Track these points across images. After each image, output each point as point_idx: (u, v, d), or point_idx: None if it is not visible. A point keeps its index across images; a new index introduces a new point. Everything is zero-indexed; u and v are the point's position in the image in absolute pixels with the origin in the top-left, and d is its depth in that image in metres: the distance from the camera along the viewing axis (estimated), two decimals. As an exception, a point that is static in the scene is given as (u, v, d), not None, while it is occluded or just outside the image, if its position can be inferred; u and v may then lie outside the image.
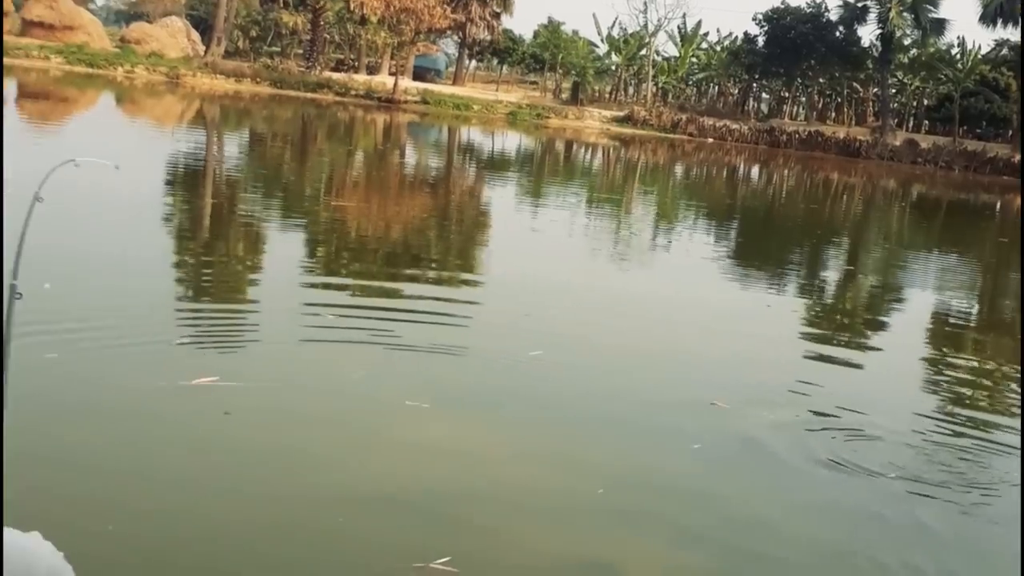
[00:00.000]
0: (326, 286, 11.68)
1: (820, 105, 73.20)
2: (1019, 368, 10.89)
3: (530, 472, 6.66)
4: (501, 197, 24.80)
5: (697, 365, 9.96)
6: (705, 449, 7.31)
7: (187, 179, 20.72)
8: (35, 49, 51.73)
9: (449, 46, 79.56)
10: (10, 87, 40.31)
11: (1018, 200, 41.71)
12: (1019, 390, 10.02)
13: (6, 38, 52.98)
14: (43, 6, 57.09)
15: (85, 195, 15.63)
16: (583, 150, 46.76)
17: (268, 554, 5.19)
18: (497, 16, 69.17)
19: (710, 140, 58.68)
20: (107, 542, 4.97)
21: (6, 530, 1.45)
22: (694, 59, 72.57)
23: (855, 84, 69.95)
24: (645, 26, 69.09)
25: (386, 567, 5.18)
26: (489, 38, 69.97)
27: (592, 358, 9.65)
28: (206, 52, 59.28)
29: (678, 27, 70.73)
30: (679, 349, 10.57)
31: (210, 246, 13.75)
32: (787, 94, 71.93)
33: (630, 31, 70.17)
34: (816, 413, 8.45)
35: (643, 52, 70.03)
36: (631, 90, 74.34)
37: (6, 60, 49.31)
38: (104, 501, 5.48)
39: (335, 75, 59.41)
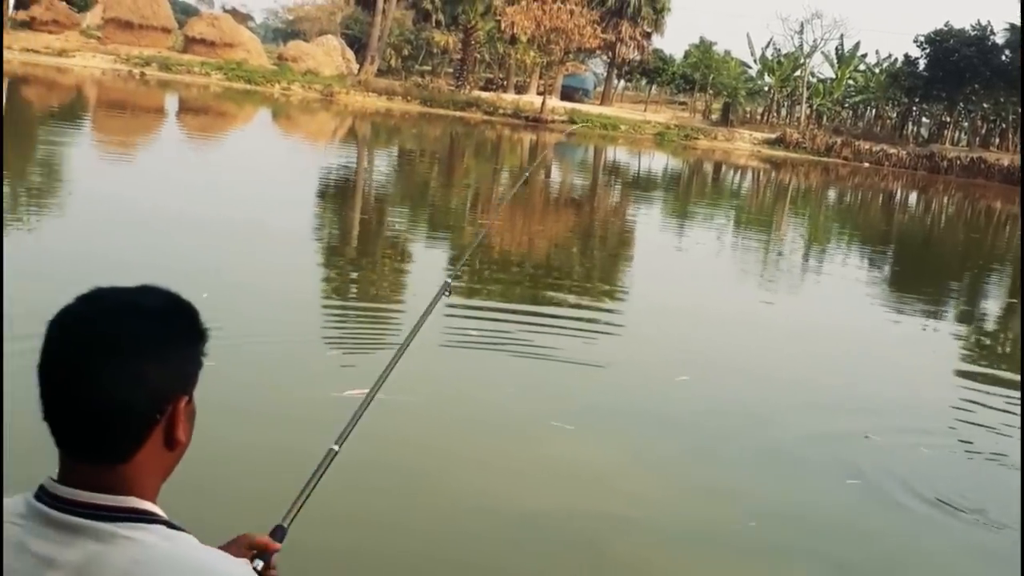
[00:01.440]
0: (469, 304, 11.59)
1: (984, 131, 70.22)
2: None
3: (678, 501, 6.40)
4: (647, 217, 24.46)
5: (850, 394, 9.50)
6: (860, 484, 6.94)
7: (338, 194, 21.07)
8: (196, 65, 53.80)
9: (598, 66, 79.60)
10: (171, 101, 42.01)
11: None
12: None
13: (169, 54, 55.36)
14: (205, 24, 59.43)
15: (241, 209, 16.02)
16: (732, 172, 45.93)
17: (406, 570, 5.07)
18: (648, 36, 68.82)
19: (866, 165, 56.95)
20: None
21: (209, 552, 1.36)
22: (851, 81, 70.66)
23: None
24: (800, 47, 67.70)
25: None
26: (639, 58, 69.64)
27: (741, 385, 9.29)
28: (359, 70, 60.67)
29: (835, 48, 69.13)
30: (831, 377, 10.10)
31: (358, 260, 13.88)
32: (948, 119, 69.29)
33: (784, 52, 68.83)
34: (973, 450, 7.93)
35: (798, 73, 68.54)
36: (784, 112, 72.87)
37: (171, 76, 51.47)
38: (263, 501, 5.42)
39: (484, 94, 60.01)
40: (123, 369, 1.31)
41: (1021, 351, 11.55)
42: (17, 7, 57.07)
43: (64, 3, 59.67)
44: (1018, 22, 59.94)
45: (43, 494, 1.34)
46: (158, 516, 1.35)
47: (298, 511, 2.08)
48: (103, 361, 1.32)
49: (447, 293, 3.40)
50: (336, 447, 2.30)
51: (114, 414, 1.32)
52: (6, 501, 1.36)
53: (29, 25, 56.53)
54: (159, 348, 1.35)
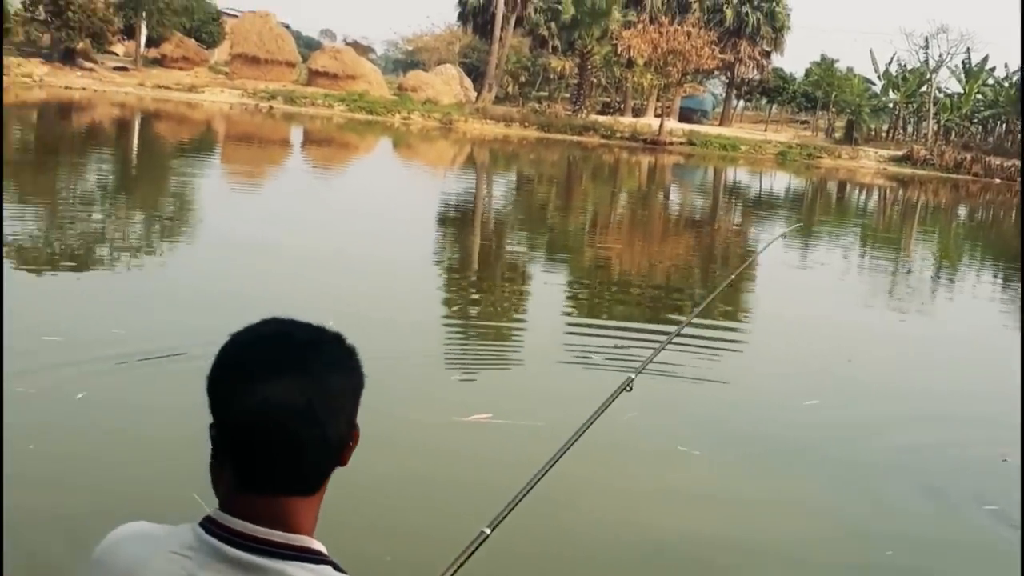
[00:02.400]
0: (589, 323, 11.48)
1: (1122, 143, 67.10)
2: None
3: (810, 529, 6.20)
4: (769, 237, 23.97)
5: (986, 418, 9.10)
6: (998, 509, 6.61)
7: (458, 220, 21.22)
8: (320, 97, 55.07)
9: (717, 86, 78.82)
10: (296, 133, 43.05)
11: None
12: None
13: (294, 87, 56.82)
14: (328, 57, 60.85)
15: (362, 236, 16.26)
16: (857, 191, 44.84)
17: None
18: (767, 55, 67.92)
19: (997, 181, 54.96)
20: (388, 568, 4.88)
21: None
22: (980, 95, 68.35)
23: None
24: (926, 62, 65.88)
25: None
26: (758, 77, 68.75)
27: (871, 409, 8.99)
28: (477, 98, 61.31)
29: (962, 62, 66.98)
30: (967, 399, 9.69)
31: (479, 284, 13.90)
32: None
33: (910, 67, 67.04)
34: None
35: (924, 89, 66.68)
36: (910, 128, 70.93)
37: (296, 108, 52.82)
38: (385, 527, 5.41)
39: (601, 118, 59.96)
40: (339, 404, 1.38)
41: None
42: (148, 45, 59.37)
43: (193, 40, 61.89)
44: None
45: (213, 526, 1.35)
46: (326, 556, 1.37)
47: None
48: (347, 403, 1.39)
49: (628, 388, 3.34)
50: (487, 531, 2.24)
51: (335, 447, 1.38)
52: (173, 530, 1.37)
53: (160, 62, 58.76)
54: (358, 380, 1.42)
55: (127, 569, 1.36)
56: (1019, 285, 16.09)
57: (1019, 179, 51.13)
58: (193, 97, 51.86)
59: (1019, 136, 67.89)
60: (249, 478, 1.35)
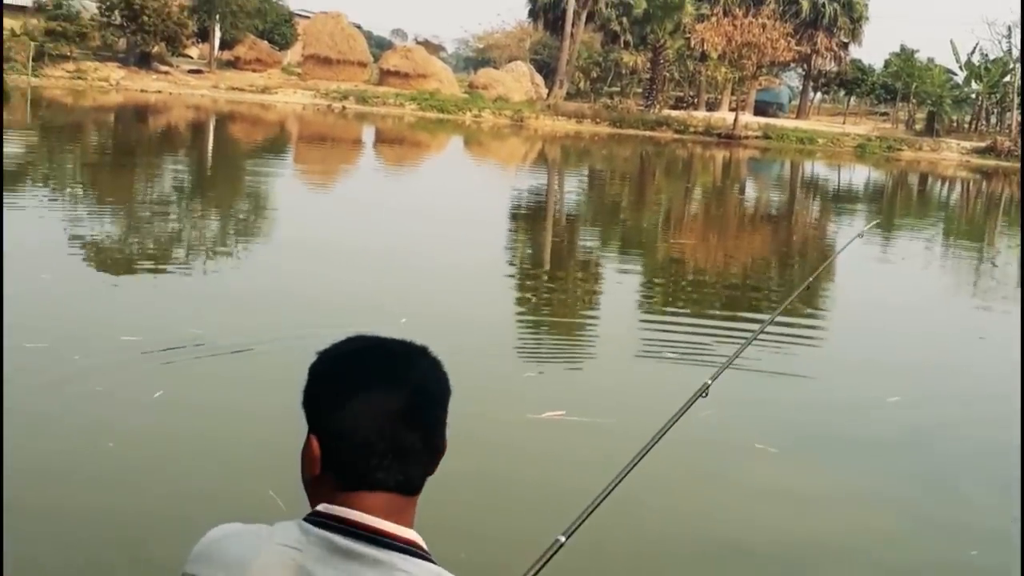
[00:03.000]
0: (663, 321, 11.31)
1: None
2: None
3: (892, 529, 6.02)
4: (849, 230, 23.50)
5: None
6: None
7: (529, 217, 21.15)
8: (391, 97, 55.39)
9: (793, 79, 77.70)
10: (368, 133, 43.36)
11: None
12: None
13: (366, 87, 57.25)
14: (399, 56, 61.18)
15: (436, 234, 16.27)
16: (939, 183, 43.83)
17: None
18: (845, 46, 66.64)
19: (1085, 171, 53.30)
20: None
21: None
22: (1065, 84, 66.43)
23: None
24: (1009, 51, 64.13)
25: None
26: (836, 69, 67.50)
27: (954, 406, 8.75)
28: (548, 94, 61.16)
29: (1046, 50, 65.09)
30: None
31: (552, 281, 13.81)
32: None
33: (992, 57, 65.35)
34: None
35: (1007, 79, 64.94)
36: (993, 119, 69.17)
37: (368, 108, 53.18)
38: (458, 526, 5.34)
39: (674, 112, 59.44)
40: (435, 410, 1.47)
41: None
42: (222, 47, 60.25)
43: (266, 42, 62.68)
44: None
45: (322, 518, 1.40)
46: (429, 554, 1.43)
47: None
48: (442, 410, 1.48)
49: (704, 395, 3.36)
50: (563, 539, 2.22)
51: (434, 450, 1.46)
52: (276, 526, 1.43)
53: (234, 64, 59.61)
54: (447, 389, 1.50)
55: (237, 562, 1.40)
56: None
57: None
58: (266, 98, 52.52)
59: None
60: (357, 480, 1.42)
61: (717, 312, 12.30)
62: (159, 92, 49.50)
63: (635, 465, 2.65)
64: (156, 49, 53.85)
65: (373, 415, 1.40)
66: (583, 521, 2.30)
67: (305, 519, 1.41)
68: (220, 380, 7.68)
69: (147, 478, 5.79)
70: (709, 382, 3.29)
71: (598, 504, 2.38)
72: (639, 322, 11.25)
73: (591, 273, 14.74)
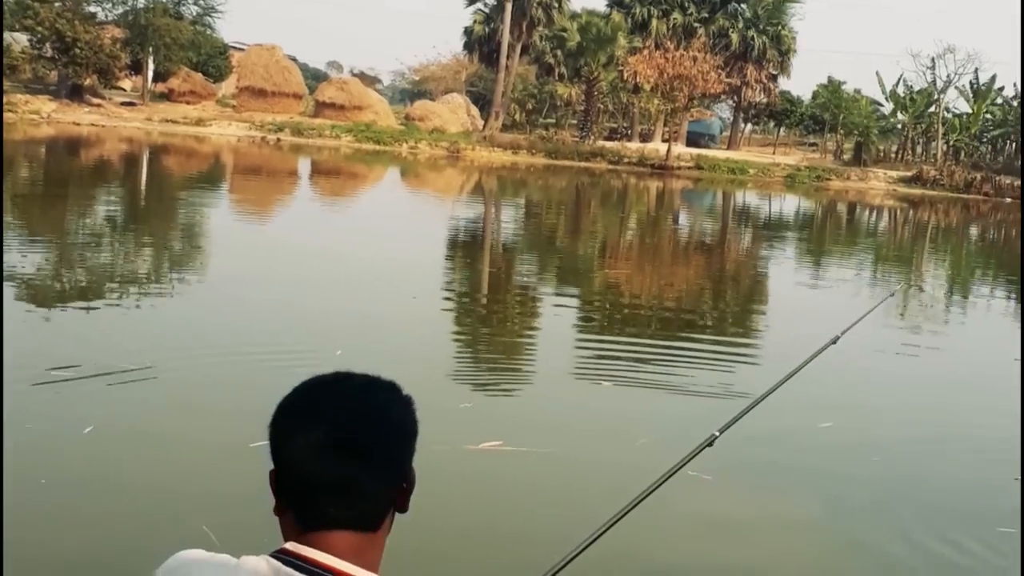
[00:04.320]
0: (601, 349, 11.37)
1: None
2: None
3: (822, 558, 6.08)
4: (781, 259, 23.87)
5: (1004, 439, 8.94)
6: (1015, 532, 6.53)
7: (466, 247, 21.19)
8: (327, 129, 55.26)
9: (724, 110, 78.89)
10: (304, 164, 43.17)
11: None
12: None
13: (301, 119, 57.04)
14: (334, 88, 61.07)
15: (371, 265, 16.23)
16: (867, 212, 44.72)
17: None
18: (774, 78, 67.93)
19: (1008, 200, 54.70)
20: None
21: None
22: (988, 115, 68.20)
23: None
24: (934, 82, 65.80)
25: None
26: (765, 101, 68.71)
27: (886, 432, 8.89)
28: (484, 126, 61.44)
29: (970, 82, 66.88)
30: (983, 420, 9.53)
31: (488, 312, 13.82)
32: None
33: (917, 88, 66.96)
34: None
35: (932, 109, 66.60)
36: (919, 149, 70.79)
37: (303, 140, 52.98)
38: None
39: (608, 144, 60.01)
40: (390, 445, 1.45)
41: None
42: (155, 79, 59.69)
43: (200, 74, 62.24)
44: None
45: (291, 557, 1.39)
46: None
47: None
48: (394, 443, 1.47)
49: (710, 445, 3.22)
50: None
51: (387, 486, 1.44)
52: (243, 560, 1.41)
53: (168, 96, 59.11)
54: (410, 426, 1.51)
55: None
56: (1019, 302, 15.93)
57: (1020, 196, 51.13)
58: (201, 131, 52.08)
59: (1028, 154, 67.77)
60: (310, 516, 1.41)
61: (653, 337, 12.40)
62: (92, 125, 48.87)
63: (618, 520, 2.61)
64: (88, 81, 53.21)
65: (313, 447, 1.39)
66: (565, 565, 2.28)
67: (273, 555, 1.40)
68: (148, 407, 7.58)
69: (77, 514, 5.68)
70: (717, 434, 3.25)
71: (575, 556, 2.35)
72: (576, 349, 11.30)
73: (528, 302, 14.79)
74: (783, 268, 22.27)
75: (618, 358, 10.83)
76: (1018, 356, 13.07)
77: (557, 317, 13.51)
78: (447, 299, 14.41)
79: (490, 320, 13.19)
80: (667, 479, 2.90)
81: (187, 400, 7.89)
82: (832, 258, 24.89)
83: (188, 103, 58.37)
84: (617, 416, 8.57)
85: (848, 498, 7.02)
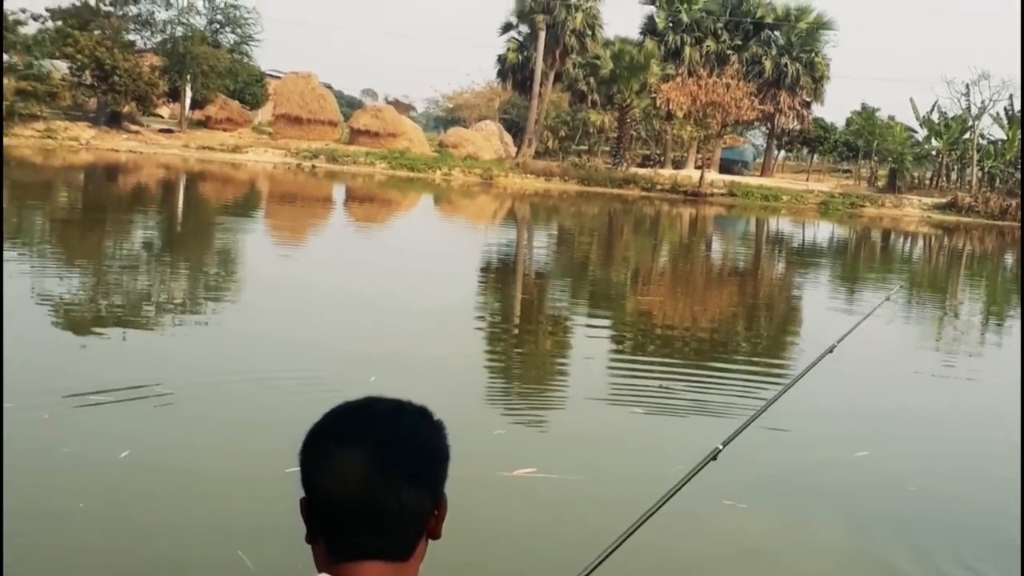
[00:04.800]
0: (633, 375, 11.35)
1: None
2: None
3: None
4: (814, 285, 23.74)
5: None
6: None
7: (499, 274, 21.23)
8: (362, 156, 55.65)
9: (757, 137, 78.72)
10: (339, 191, 43.46)
11: None
12: None
13: (336, 146, 57.49)
14: (369, 116, 61.51)
15: (406, 291, 16.31)
16: (901, 239, 44.41)
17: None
18: (807, 105, 67.79)
19: (1044, 226, 54.14)
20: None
21: None
22: (1023, 141, 67.63)
23: None
24: (968, 109, 65.37)
25: None
26: (799, 127, 68.57)
27: (925, 462, 8.78)
28: (517, 153, 61.66)
29: (1004, 109, 66.42)
30: (1014, 453, 9.41)
31: (521, 338, 13.84)
32: None
33: (951, 115, 66.56)
34: None
35: (966, 136, 66.13)
36: (953, 176, 70.29)
37: (338, 167, 53.37)
38: None
39: (641, 170, 60.02)
40: (417, 471, 1.43)
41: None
42: (193, 107, 60.45)
43: (237, 102, 62.94)
44: None
45: None
46: None
47: None
48: (425, 469, 1.45)
49: (714, 458, 3.25)
50: None
51: (414, 513, 1.41)
52: None
53: (205, 124, 59.80)
54: (440, 451, 1.49)
55: None
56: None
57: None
58: (237, 158, 52.61)
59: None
60: (341, 545, 1.40)
61: (686, 364, 12.37)
62: (129, 151, 49.51)
63: (629, 536, 2.63)
64: (127, 108, 53.96)
65: (342, 475, 1.38)
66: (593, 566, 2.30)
67: None
68: (184, 431, 7.66)
69: (114, 541, 5.74)
70: (720, 447, 3.25)
71: (597, 565, 2.37)
72: (608, 375, 11.29)
73: (560, 328, 14.80)
74: (816, 294, 22.16)
75: (651, 383, 10.81)
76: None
77: (589, 343, 13.50)
78: (480, 326, 14.45)
79: (523, 346, 13.20)
80: (675, 493, 3.04)
81: (221, 424, 7.96)
82: (866, 284, 24.72)
83: (225, 130, 59.03)
84: (649, 442, 8.55)
85: (880, 529, 6.95)
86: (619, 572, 5.88)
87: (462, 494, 6.94)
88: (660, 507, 2.77)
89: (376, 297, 15.35)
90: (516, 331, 14.47)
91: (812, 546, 6.55)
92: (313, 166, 52.92)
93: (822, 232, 44.01)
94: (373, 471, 1.39)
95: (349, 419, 1.46)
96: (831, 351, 4.38)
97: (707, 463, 3.09)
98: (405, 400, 1.51)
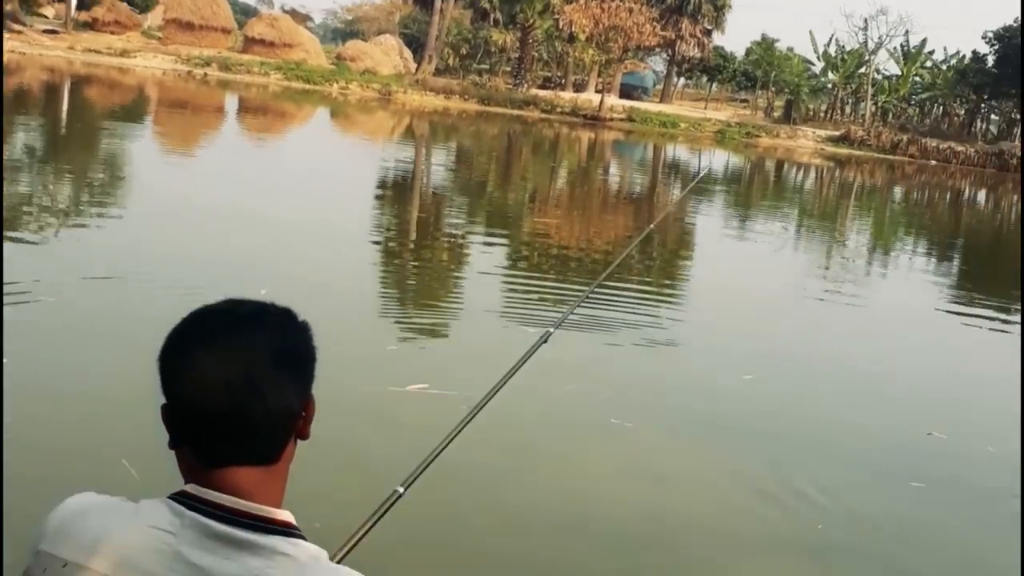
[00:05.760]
0: (529, 292, 11.36)
1: (1054, 127, 68.36)
2: None
3: (744, 504, 6.15)
4: (707, 214, 24.07)
5: (916, 393, 9.20)
6: (924, 487, 6.72)
7: (395, 193, 20.98)
8: (256, 65, 54.21)
9: (657, 63, 79.05)
10: (231, 101, 42.34)
11: None
12: None
13: (229, 55, 55.89)
14: (264, 24, 59.87)
15: (298, 206, 16.01)
16: (795, 170, 45.25)
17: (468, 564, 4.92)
18: (708, 33, 68.10)
19: (933, 162, 55.82)
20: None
21: (347, 571, 1.36)
22: (917, 78, 69.30)
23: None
24: (865, 43, 66.55)
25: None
26: (699, 55, 68.95)
27: (806, 384, 9.04)
28: (417, 69, 60.79)
29: (900, 45, 67.81)
30: (897, 376, 9.73)
31: (417, 256, 13.72)
32: (1018, 116, 67.68)
33: (848, 48, 67.69)
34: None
35: (862, 70, 67.42)
36: (848, 109, 71.74)
37: (231, 76, 51.95)
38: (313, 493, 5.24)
39: (542, 92, 59.80)
40: (283, 374, 1.36)
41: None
42: (79, 8, 57.98)
43: (126, 4, 60.54)
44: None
45: (193, 501, 1.32)
46: (301, 531, 1.36)
47: (353, 546, 1.96)
48: (290, 372, 1.37)
49: (545, 341, 3.23)
50: (401, 489, 2.16)
51: (282, 417, 1.36)
52: (141, 504, 1.34)
53: (91, 26, 57.44)
54: (306, 352, 1.41)
55: (96, 541, 1.31)
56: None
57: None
58: (125, 62, 50.76)
59: (957, 119, 69.09)
60: (205, 452, 1.35)
61: (581, 282, 12.40)
62: (12, 52, 47.29)
63: (476, 414, 2.60)
64: (10, 7, 51.44)
65: (205, 383, 1.32)
66: (422, 471, 2.26)
67: (173, 498, 1.33)
68: (74, 335, 7.42)
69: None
70: (551, 330, 3.28)
71: (437, 454, 2.34)
72: (504, 294, 11.27)
73: (457, 247, 14.71)
74: (710, 220, 22.46)
75: (547, 303, 10.83)
76: (937, 308, 13.43)
77: (486, 261, 13.45)
78: (376, 243, 14.27)
79: (418, 264, 13.09)
80: (509, 378, 3.04)
81: (94, 334, 7.71)
82: (757, 216, 25.15)
83: (112, 33, 56.77)
84: (548, 361, 8.56)
85: (763, 449, 7.11)
86: (514, 488, 5.92)
87: (355, 410, 6.86)
88: (494, 394, 2.78)
89: (269, 211, 15.01)
90: (412, 248, 14.34)
91: (692, 465, 6.66)
92: (205, 74, 51.38)
93: (718, 160, 44.55)
94: (238, 376, 1.32)
95: (211, 323, 1.38)
96: (645, 236, 4.37)
97: (539, 347, 3.16)
98: (267, 302, 1.43)
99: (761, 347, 10.16)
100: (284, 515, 1.35)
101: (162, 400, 1.37)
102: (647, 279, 13.84)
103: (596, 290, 12.12)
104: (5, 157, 17.94)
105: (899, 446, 7.56)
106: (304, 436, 1.42)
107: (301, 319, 1.44)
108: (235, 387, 1.32)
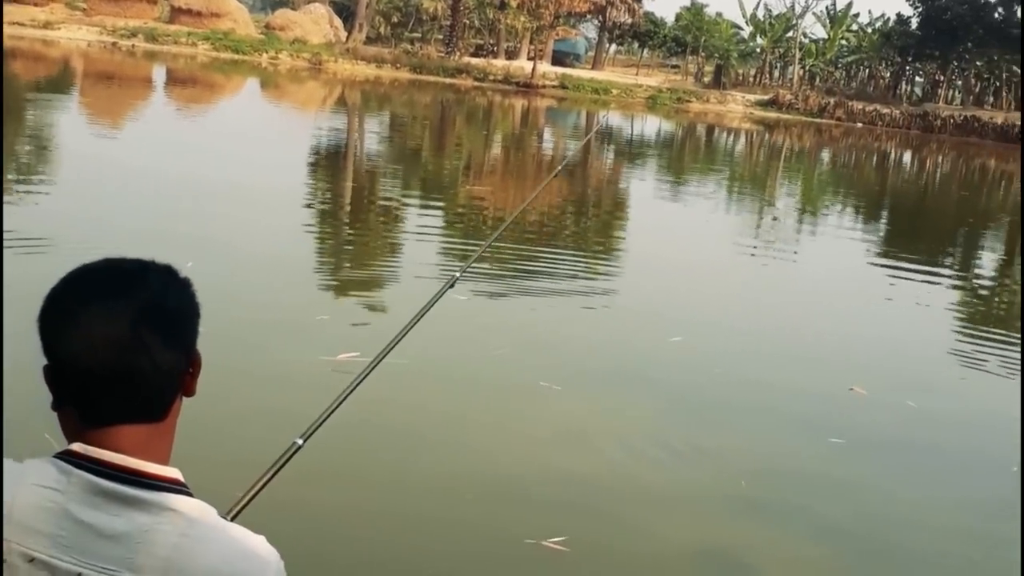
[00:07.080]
0: (464, 259, 11.44)
1: (977, 89, 69.80)
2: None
3: (668, 461, 6.35)
4: (639, 180, 24.31)
5: (838, 351, 9.46)
6: (844, 440, 6.96)
7: (328, 162, 20.89)
8: (183, 36, 53.27)
9: (589, 30, 79.05)
10: (159, 72, 41.64)
11: None
12: None
13: (155, 25, 54.81)
14: (191, -7, 58.71)
15: (230, 175, 15.88)
16: (725, 134, 45.71)
17: (382, 539, 5.02)
18: (638, -1, 68.29)
19: (859, 125, 56.63)
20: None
21: (236, 527, 1.38)
22: (843, 41, 70.19)
23: (1015, 67, 66.48)
24: (792, 7, 67.29)
25: (500, 550, 5.03)
26: (630, 21, 69.06)
27: (732, 345, 9.27)
28: (348, 38, 60.16)
29: (827, 8, 68.60)
30: (820, 334, 10.03)
31: (350, 226, 13.74)
32: (942, 77, 68.92)
33: (776, 13, 68.36)
34: (960, 406, 7.98)
35: (790, 34, 68.11)
36: (776, 73, 72.48)
37: (158, 47, 51.04)
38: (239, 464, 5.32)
39: (474, 60, 59.53)
40: (168, 331, 1.36)
41: (1021, 329, 11.39)
42: (0, -22, 56.40)
43: (48, -26, 59.02)
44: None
45: (80, 459, 1.32)
46: (189, 488, 1.37)
47: (252, 498, 2.00)
48: (173, 328, 1.38)
49: (451, 286, 3.22)
50: (300, 441, 2.17)
51: (169, 373, 1.36)
52: (26, 463, 1.35)
53: (13, -3, 55.92)
54: (190, 307, 1.41)
55: None
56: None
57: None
58: (48, 34, 49.60)
59: (883, 82, 70.14)
60: (92, 412, 1.34)
61: (514, 248, 12.51)
62: (-75, 23, 45.99)
63: (378, 363, 2.67)
64: (-78, -23, 49.93)
65: (89, 341, 1.31)
66: (322, 423, 2.33)
67: (60, 457, 1.33)
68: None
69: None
70: (458, 275, 3.35)
71: (339, 404, 2.41)
72: (437, 263, 11.35)
73: (390, 215, 14.73)
74: (643, 185, 22.70)
75: (478, 270, 10.94)
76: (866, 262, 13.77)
77: (419, 231, 13.50)
78: (307, 213, 14.24)
79: (351, 233, 13.12)
80: (420, 318, 3.05)
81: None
82: (688, 180, 25.44)
83: (35, 4, 55.27)
84: (479, 327, 8.67)
85: (687, 409, 7.31)
86: (435, 444, 6.04)
87: (283, 383, 6.91)
88: (399, 340, 2.84)
89: (198, 181, 14.87)
90: (345, 217, 14.34)
91: (616, 426, 6.83)
92: (132, 46, 50.39)
93: (649, 126, 44.84)
94: (123, 333, 1.31)
95: (92, 281, 1.37)
96: (555, 176, 4.49)
97: (446, 290, 3.17)
98: (148, 259, 1.44)
99: (691, 309, 10.39)
100: (172, 472, 1.36)
101: (44, 361, 1.37)
102: (581, 244, 14.01)
103: (533, 255, 12.28)
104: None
105: (822, 402, 7.80)
106: (190, 393, 1.43)
107: (183, 275, 1.44)
108: (121, 344, 1.32)
